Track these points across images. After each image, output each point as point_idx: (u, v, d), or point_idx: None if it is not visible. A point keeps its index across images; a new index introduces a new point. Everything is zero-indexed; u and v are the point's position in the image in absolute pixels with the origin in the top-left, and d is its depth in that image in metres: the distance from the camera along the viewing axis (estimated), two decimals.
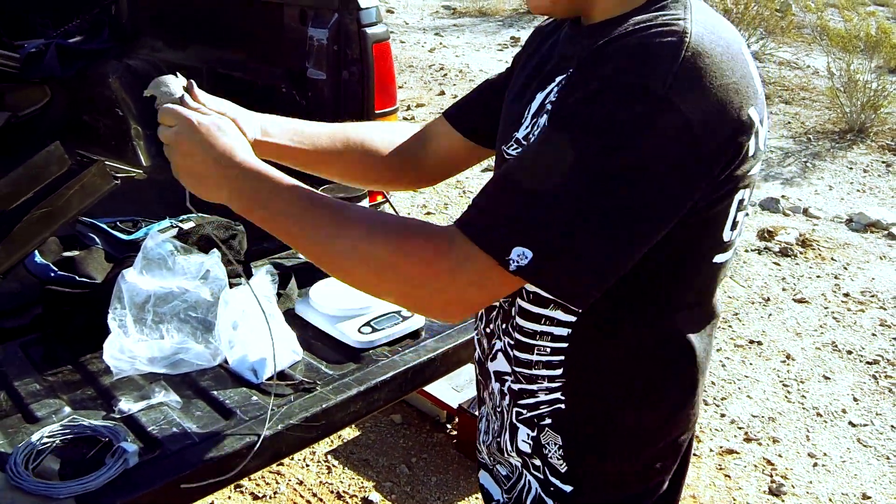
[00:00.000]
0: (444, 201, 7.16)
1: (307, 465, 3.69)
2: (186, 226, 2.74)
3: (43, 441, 1.91)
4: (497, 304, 1.60)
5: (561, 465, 1.55)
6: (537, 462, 1.59)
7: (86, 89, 4.65)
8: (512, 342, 1.56)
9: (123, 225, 2.96)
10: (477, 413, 1.85)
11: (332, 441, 3.84)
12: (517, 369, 1.56)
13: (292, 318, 2.49)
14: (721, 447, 4.17)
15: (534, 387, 1.54)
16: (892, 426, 4.44)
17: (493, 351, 1.64)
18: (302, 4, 3.52)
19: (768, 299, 5.85)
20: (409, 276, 1.35)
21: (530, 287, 1.41)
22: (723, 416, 4.44)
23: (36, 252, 2.55)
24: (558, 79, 1.48)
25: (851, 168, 8.98)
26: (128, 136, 4.43)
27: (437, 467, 3.76)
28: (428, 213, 6.86)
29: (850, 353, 5.18)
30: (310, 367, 2.27)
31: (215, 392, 2.12)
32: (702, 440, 4.20)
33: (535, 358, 1.52)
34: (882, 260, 6.71)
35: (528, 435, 1.58)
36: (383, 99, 3.35)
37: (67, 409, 2.07)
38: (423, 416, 4.07)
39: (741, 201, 1.41)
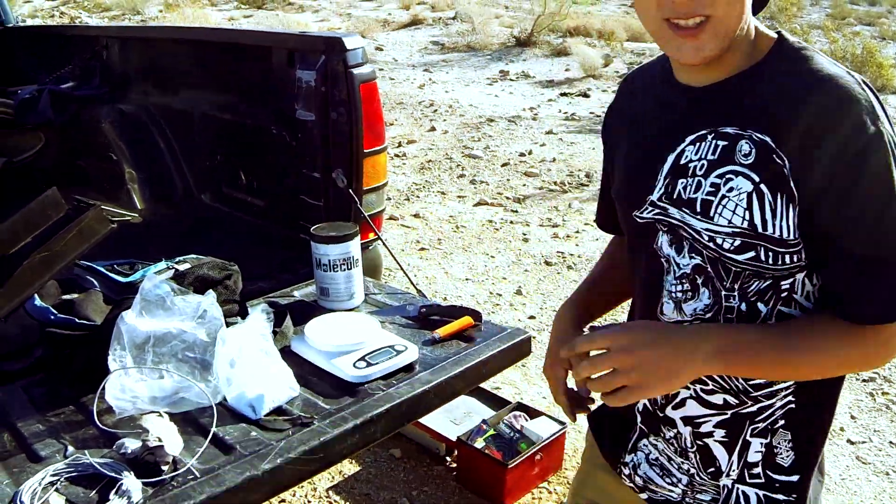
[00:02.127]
0: (438, 237, 7.21)
1: (309, 501, 3.72)
2: (182, 267, 2.78)
3: (47, 479, 1.94)
4: None
5: (788, 457, 1.74)
6: (757, 470, 1.75)
7: (79, 134, 4.71)
8: (706, 387, 1.73)
9: (120, 268, 3.00)
10: (628, 459, 1.97)
11: (332, 476, 3.86)
12: (755, 393, 1.69)
13: (289, 354, 2.52)
14: None
15: (771, 400, 1.70)
16: (891, 442, 4.47)
17: (676, 399, 1.78)
18: (289, 47, 3.58)
19: None
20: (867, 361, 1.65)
21: None
22: None
23: (36, 296, 2.60)
24: (689, 138, 1.65)
25: None
26: (122, 180, 4.46)
27: (437, 500, 3.77)
28: (422, 249, 6.91)
29: None
30: (307, 402, 2.30)
31: (215, 429, 2.16)
32: None
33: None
34: None
35: (762, 443, 1.73)
36: (371, 138, 3.40)
37: (71, 449, 2.10)
38: (422, 450, 4.08)
39: None
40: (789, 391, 1.68)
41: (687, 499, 1.84)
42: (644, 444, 1.89)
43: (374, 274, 3.55)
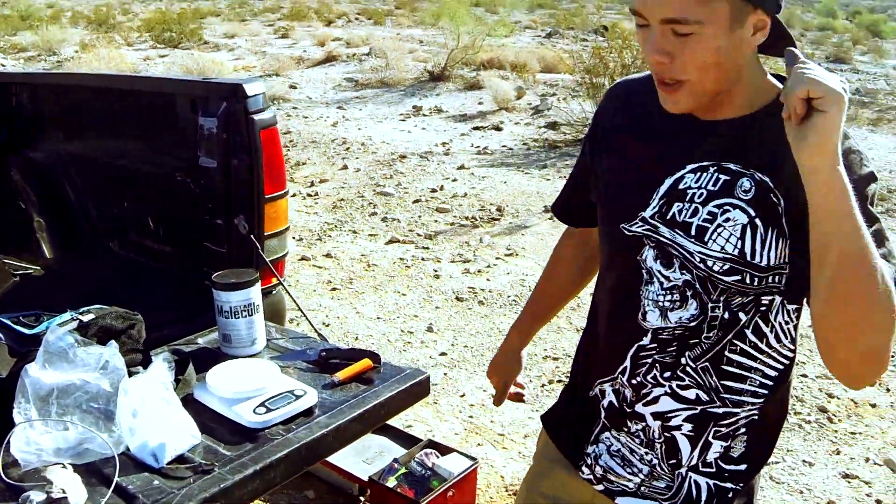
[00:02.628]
0: (350, 276, 7.25)
1: None
2: (86, 318, 2.80)
3: None
4: (653, 359, 1.93)
5: (739, 450, 1.94)
6: (710, 460, 1.94)
7: None
8: (714, 374, 1.88)
9: (26, 319, 3.03)
10: (590, 450, 2.12)
11: None
12: (724, 395, 1.89)
13: (191, 402, 2.54)
14: None
15: (738, 408, 1.90)
16: (804, 461, 4.59)
17: (649, 397, 1.95)
18: (192, 94, 3.61)
19: None
20: None
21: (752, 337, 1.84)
22: None
23: None
24: (690, 166, 1.83)
25: None
26: (30, 229, 4.45)
27: None
28: (334, 289, 6.94)
29: None
30: (208, 449, 2.33)
31: (118, 479, 2.18)
32: None
33: (745, 386, 1.89)
34: None
35: (722, 446, 1.93)
36: (273, 184, 3.44)
37: None
38: (335, 491, 4.11)
39: None
40: (758, 404, 1.90)
41: (643, 487, 2.00)
42: (606, 437, 2.06)
43: (278, 319, 3.58)
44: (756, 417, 1.91)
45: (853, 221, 1.54)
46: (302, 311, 3.48)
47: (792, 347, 1.87)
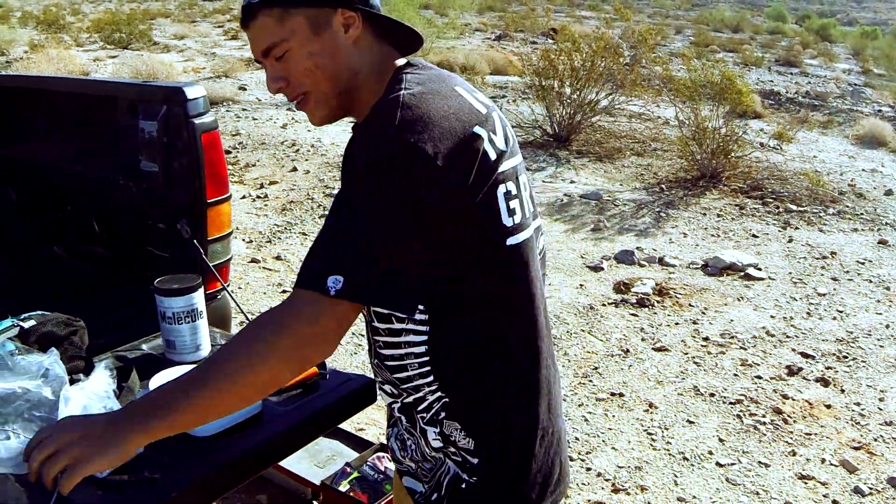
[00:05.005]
0: None
1: None
2: (27, 324, 2.76)
3: None
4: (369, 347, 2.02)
5: (468, 442, 1.90)
6: (453, 449, 1.92)
7: None
8: (385, 370, 1.96)
9: None
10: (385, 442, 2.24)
11: None
12: (403, 386, 1.94)
13: None
14: (589, 500, 4.27)
15: (420, 393, 1.92)
16: (760, 462, 4.62)
17: (381, 387, 2.06)
18: (132, 97, 3.58)
19: (627, 351, 6.03)
20: (285, 349, 1.68)
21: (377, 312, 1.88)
22: (588, 469, 4.55)
23: None
24: None
25: (705, 214, 9.32)
26: None
27: None
28: (284, 291, 6.90)
29: (712, 395, 5.38)
30: (151, 459, 2.28)
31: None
32: (569, 496, 4.29)
33: (410, 373, 1.90)
34: (740, 301, 7.00)
35: (435, 432, 1.94)
36: (215, 188, 3.41)
37: None
38: (288, 495, 4.07)
39: (507, 193, 1.80)
40: (434, 388, 1.90)
41: (419, 469, 2.05)
42: (395, 421, 2.12)
43: (223, 324, 3.55)
44: (447, 399, 1.90)
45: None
46: (247, 317, 3.44)
47: (424, 312, 1.84)
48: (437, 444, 1.95)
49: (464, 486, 1.92)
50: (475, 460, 1.91)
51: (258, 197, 9.56)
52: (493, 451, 1.91)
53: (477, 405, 1.90)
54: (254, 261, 7.55)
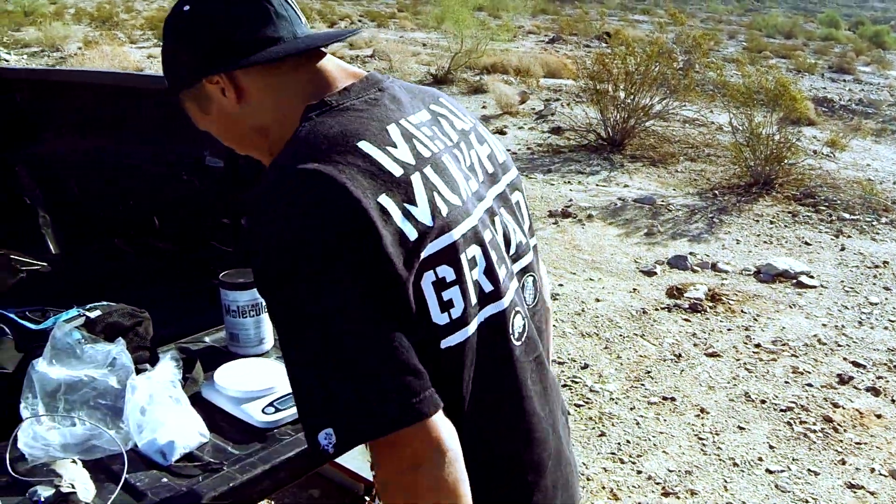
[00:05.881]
0: None
1: None
2: (93, 314, 2.80)
3: None
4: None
5: None
6: None
7: None
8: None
9: (32, 314, 3.01)
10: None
11: None
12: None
13: (199, 401, 2.54)
14: (639, 503, 4.28)
15: None
16: (809, 470, 4.60)
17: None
18: None
19: (680, 356, 6.01)
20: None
21: None
22: (639, 472, 4.55)
23: None
24: None
25: (758, 221, 9.25)
26: (35, 225, 4.45)
27: None
28: None
29: (763, 402, 5.35)
30: (217, 447, 2.33)
31: (126, 475, 2.18)
32: (619, 498, 4.30)
33: None
34: (792, 308, 6.95)
35: None
36: None
37: None
38: (341, 490, 4.09)
39: (439, 281, 1.47)
40: None
41: None
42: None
43: None
44: None
45: None
46: None
47: None
48: None
49: None
50: None
51: None
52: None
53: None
54: None
